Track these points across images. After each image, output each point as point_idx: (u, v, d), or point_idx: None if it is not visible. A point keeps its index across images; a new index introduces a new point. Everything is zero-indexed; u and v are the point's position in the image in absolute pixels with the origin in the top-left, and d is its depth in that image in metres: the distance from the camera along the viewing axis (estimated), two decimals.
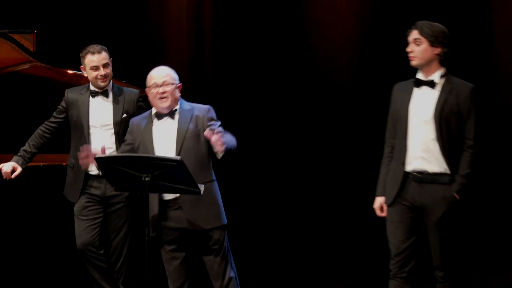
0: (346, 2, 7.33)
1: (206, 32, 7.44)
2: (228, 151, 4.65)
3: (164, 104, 4.78)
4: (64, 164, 5.64)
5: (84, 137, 5.34)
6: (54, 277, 5.87)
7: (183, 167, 4.44)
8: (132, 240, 5.47)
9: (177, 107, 4.83)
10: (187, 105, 4.89)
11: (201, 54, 7.38)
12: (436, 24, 4.70)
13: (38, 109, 5.34)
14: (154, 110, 4.86)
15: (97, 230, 5.37)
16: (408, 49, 4.72)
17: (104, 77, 5.34)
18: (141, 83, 5.63)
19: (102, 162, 4.59)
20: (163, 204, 4.78)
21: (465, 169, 4.64)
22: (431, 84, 4.70)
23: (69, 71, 6.09)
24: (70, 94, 5.44)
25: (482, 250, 7.04)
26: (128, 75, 6.13)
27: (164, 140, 4.79)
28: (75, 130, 5.41)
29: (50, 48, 6.49)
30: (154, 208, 4.77)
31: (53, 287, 5.86)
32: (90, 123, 5.35)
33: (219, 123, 4.86)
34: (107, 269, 5.38)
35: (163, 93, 4.76)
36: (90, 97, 5.38)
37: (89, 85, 5.43)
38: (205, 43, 7.44)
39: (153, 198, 4.76)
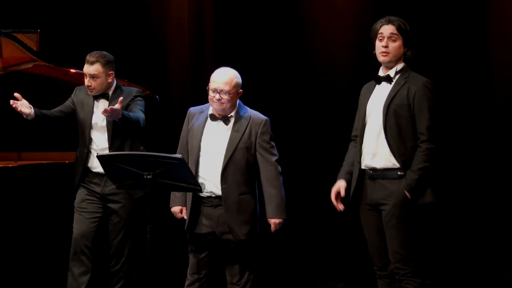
0: (346, 2, 7.36)
1: (207, 32, 7.48)
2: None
3: (217, 108, 4.68)
4: (66, 162, 5.72)
5: (85, 137, 5.37)
6: (56, 275, 5.87)
7: (184, 165, 4.46)
8: (134, 241, 5.44)
9: (233, 113, 4.72)
10: (245, 111, 4.77)
11: (202, 54, 7.42)
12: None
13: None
14: (210, 110, 4.75)
15: (94, 224, 5.36)
16: (383, 43, 4.52)
17: (88, 87, 5.29)
18: (143, 83, 5.69)
19: (104, 159, 4.59)
20: (198, 200, 4.70)
21: (416, 165, 4.38)
22: (388, 79, 4.55)
23: (72, 70, 6.11)
24: (79, 93, 5.44)
25: (480, 246, 7.09)
26: (130, 75, 6.17)
27: (213, 144, 4.69)
28: (80, 129, 5.42)
29: (53, 47, 6.53)
30: (189, 202, 4.71)
31: (55, 285, 5.88)
32: (92, 123, 5.36)
33: (271, 144, 4.75)
34: (88, 270, 5.36)
35: (218, 99, 4.64)
36: (94, 100, 5.37)
37: None
38: (206, 42, 7.47)
39: (189, 194, 4.71)
